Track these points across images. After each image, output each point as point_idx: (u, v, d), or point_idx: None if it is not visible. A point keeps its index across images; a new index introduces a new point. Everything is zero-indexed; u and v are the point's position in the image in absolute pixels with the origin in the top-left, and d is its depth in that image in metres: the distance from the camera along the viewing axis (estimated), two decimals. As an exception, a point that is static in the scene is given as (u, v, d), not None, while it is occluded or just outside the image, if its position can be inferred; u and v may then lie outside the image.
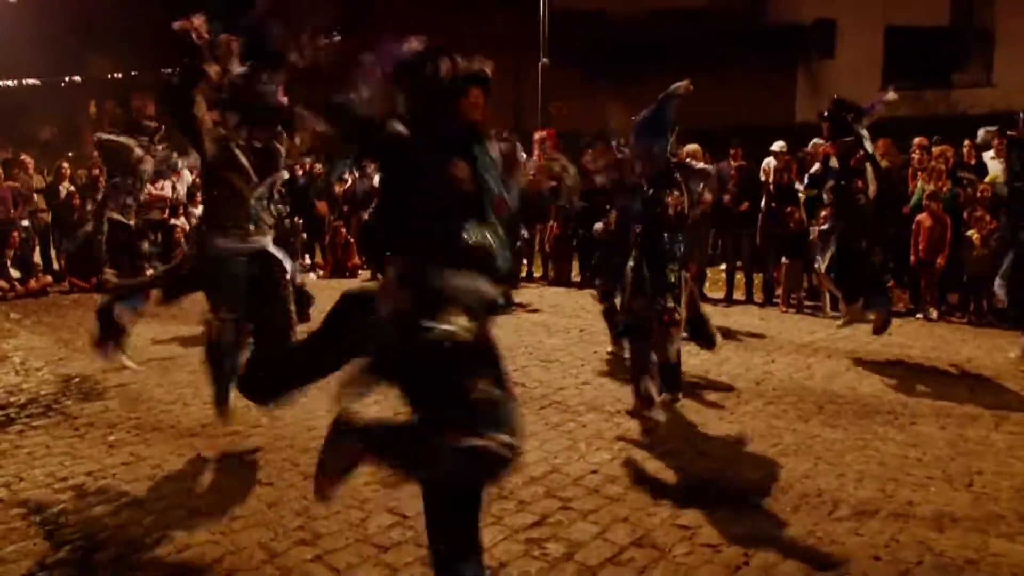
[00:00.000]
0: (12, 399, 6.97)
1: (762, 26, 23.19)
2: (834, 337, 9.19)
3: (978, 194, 10.43)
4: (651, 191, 6.16)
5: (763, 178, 12.36)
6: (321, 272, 14.32)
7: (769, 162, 12.54)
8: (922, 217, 10.42)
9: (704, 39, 21.95)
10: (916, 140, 12.27)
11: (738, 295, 11.69)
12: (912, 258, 10.54)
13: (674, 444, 5.88)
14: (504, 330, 9.28)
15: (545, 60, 15.53)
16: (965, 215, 10.40)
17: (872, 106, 8.44)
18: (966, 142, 11.51)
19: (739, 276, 12.06)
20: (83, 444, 5.86)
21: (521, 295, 11.75)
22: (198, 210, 13.43)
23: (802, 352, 8.56)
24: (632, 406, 6.26)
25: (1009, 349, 8.62)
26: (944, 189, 10.66)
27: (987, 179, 10.87)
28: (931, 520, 4.71)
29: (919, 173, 11.21)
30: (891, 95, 8.28)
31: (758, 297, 11.60)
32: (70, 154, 15.98)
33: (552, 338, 9.26)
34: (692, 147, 11.75)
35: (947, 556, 4.30)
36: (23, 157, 13.79)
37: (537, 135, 14.28)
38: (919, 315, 10.56)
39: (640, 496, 4.99)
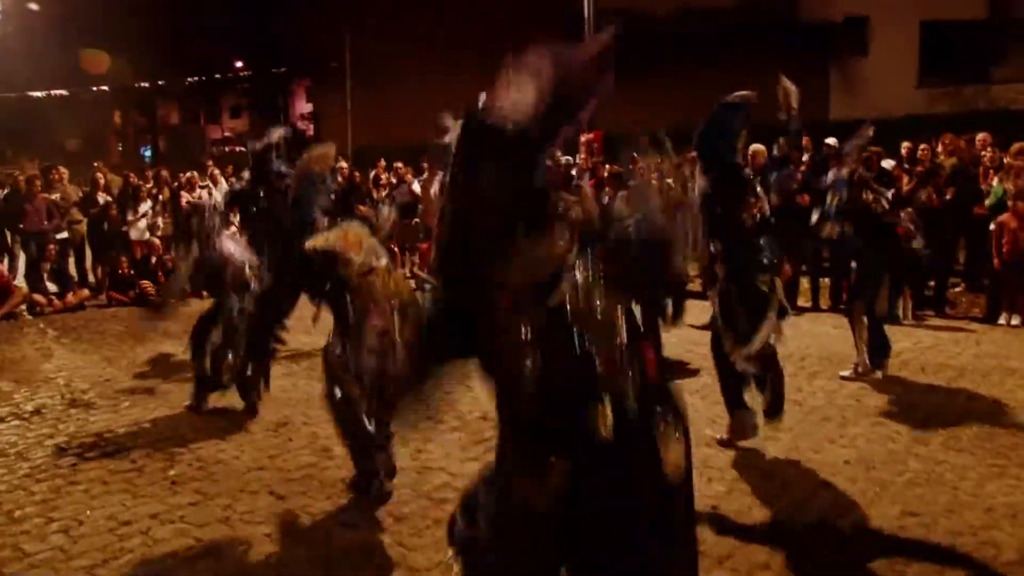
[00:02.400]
0: (61, 426, 6.47)
1: (794, 24, 22.71)
2: (919, 347, 8.61)
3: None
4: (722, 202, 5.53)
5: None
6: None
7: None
8: (1006, 218, 9.81)
9: (737, 37, 21.53)
10: (980, 136, 11.76)
11: (803, 302, 11.07)
12: (996, 261, 9.92)
13: (787, 472, 5.33)
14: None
15: (592, 59, 14.99)
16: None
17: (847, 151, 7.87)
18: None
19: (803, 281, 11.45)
20: (142, 480, 5.35)
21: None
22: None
23: (892, 365, 7.96)
24: (727, 432, 5.74)
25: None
26: (1020, 186, 10.08)
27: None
28: (1116, 566, 4.17)
29: (992, 172, 10.64)
30: (867, 132, 7.67)
31: (824, 303, 10.99)
32: (96, 163, 15.54)
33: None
34: (756, 147, 11.37)
35: None
36: (59, 167, 13.36)
37: (584, 138, 13.84)
38: (1001, 321, 9.95)
39: (770, 534, 4.44)
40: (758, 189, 5.90)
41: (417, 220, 14.11)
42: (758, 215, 5.52)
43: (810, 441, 5.80)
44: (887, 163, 11.60)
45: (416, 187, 14.17)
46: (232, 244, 6.73)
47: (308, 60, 34.67)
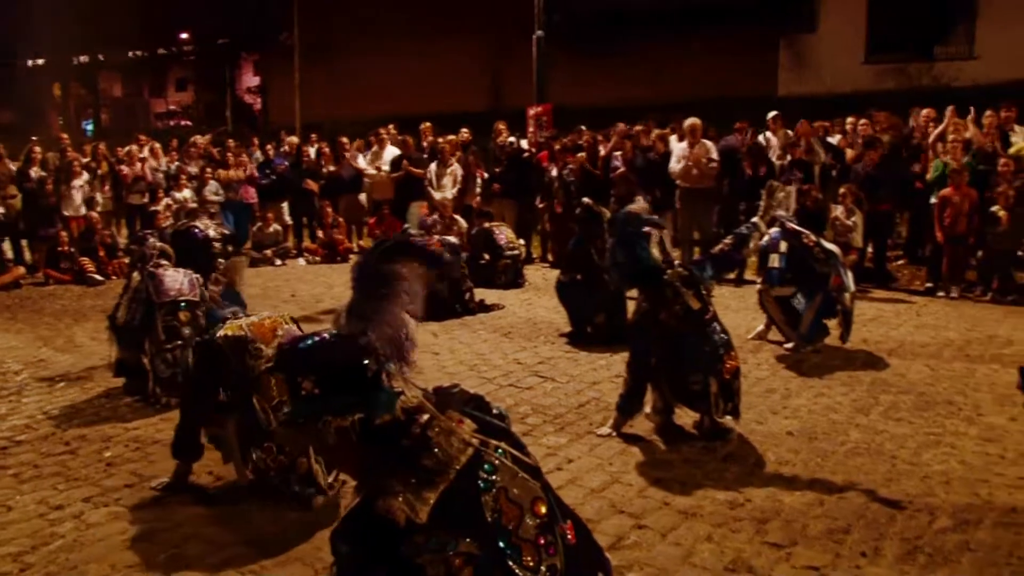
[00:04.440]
0: (-10, 409, 6.29)
1: (745, 0, 22.81)
2: (862, 319, 8.70)
3: (1000, 168, 10.01)
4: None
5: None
6: (314, 258, 13.59)
7: (768, 136, 12.03)
8: (948, 192, 9.96)
9: (687, 14, 21.59)
10: (924, 112, 11.92)
11: (750, 274, 11.15)
12: (938, 235, 10.08)
13: (734, 446, 5.35)
14: (518, 318, 8.98)
15: (540, 33, 14.89)
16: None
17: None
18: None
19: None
20: (76, 462, 5.21)
21: (528, 277, 11.21)
22: (181, 194, 12.75)
23: (834, 337, 8.04)
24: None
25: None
26: (961, 161, 10.24)
27: (1011, 151, 10.47)
28: (1044, 529, 4.25)
29: (935, 147, 10.78)
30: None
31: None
32: (34, 138, 15.13)
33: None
34: (692, 121, 11.44)
35: (1081, 575, 3.85)
36: (-7, 142, 12.96)
37: (532, 111, 13.75)
38: (940, 293, 10.14)
39: (717, 509, 4.46)
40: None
41: (364, 195, 13.95)
42: (680, 311, 5.37)
43: (754, 413, 5.83)
44: (833, 138, 11.75)
45: (362, 162, 13.98)
46: (173, 277, 6.47)
47: (256, 33, 34.05)
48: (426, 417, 2.67)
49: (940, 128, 10.89)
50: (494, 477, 2.63)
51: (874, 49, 22.17)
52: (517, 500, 2.65)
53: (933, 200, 10.24)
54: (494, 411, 2.95)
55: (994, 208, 9.80)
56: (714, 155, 11.30)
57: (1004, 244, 9.88)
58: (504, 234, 11.11)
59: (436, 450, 2.62)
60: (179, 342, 6.18)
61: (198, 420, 4.76)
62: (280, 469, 4.39)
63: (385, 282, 2.68)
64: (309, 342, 2.77)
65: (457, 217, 12.26)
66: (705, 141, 11.43)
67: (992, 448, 5.34)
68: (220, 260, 8.02)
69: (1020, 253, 10.13)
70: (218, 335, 4.60)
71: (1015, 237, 9.94)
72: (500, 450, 2.73)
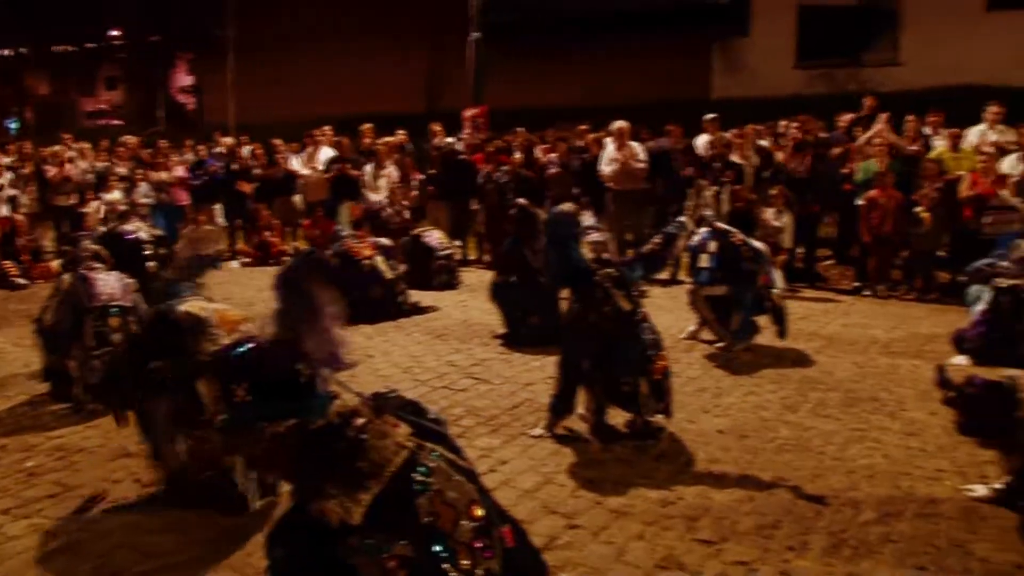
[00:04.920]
0: (-95, 417, 6.07)
1: (679, 4, 23.08)
2: (792, 318, 8.86)
3: (923, 171, 10.31)
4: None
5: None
6: (247, 260, 13.40)
7: (703, 138, 12.20)
8: (874, 194, 10.22)
9: (622, 17, 21.76)
10: (847, 117, 12.22)
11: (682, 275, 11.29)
12: (865, 235, 10.34)
13: (666, 445, 5.42)
14: (453, 320, 8.96)
15: (477, 34, 14.89)
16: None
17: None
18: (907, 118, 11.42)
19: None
20: (-4, 471, 5.07)
21: (464, 279, 11.18)
22: (110, 195, 12.47)
23: (764, 335, 8.18)
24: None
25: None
26: (886, 164, 10.51)
27: (932, 154, 10.78)
28: (960, 520, 4.43)
29: (862, 150, 11.05)
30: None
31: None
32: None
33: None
34: (620, 123, 11.57)
35: (992, 562, 4.01)
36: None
37: (468, 113, 13.75)
38: (867, 292, 10.40)
39: (648, 507, 4.51)
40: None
41: (298, 197, 13.80)
42: (610, 312, 5.41)
43: (686, 412, 5.91)
44: (763, 141, 11.96)
45: (295, 164, 13.82)
46: (105, 281, 6.30)
47: (189, 30, 33.39)
48: (361, 421, 2.67)
49: (869, 132, 11.16)
50: (429, 480, 2.64)
51: (804, 54, 22.57)
52: (453, 503, 2.66)
53: (860, 202, 10.50)
54: (430, 415, 2.96)
55: (917, 209, 10.08)
56: (642, 156, 11.44)
57: (927, 244, 10.19)
58: (434, 236, 11.09)
59: (370, 453, 2.62)
60: (108, 348, 6.03)
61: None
62: (210, 461, 4.29)
63: (308, 291, 2.68)
64: (241, 349, 2.75)
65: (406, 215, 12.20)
66: (633, 143, 11.56)
67: (913, 442, 5.50)
68: (151, 264, 7.89)
69: (941, 253, 10.46)
70: (179, 309, 4.43)
71: (937, 237, 10.26)
72: (436, 453, 2.74)
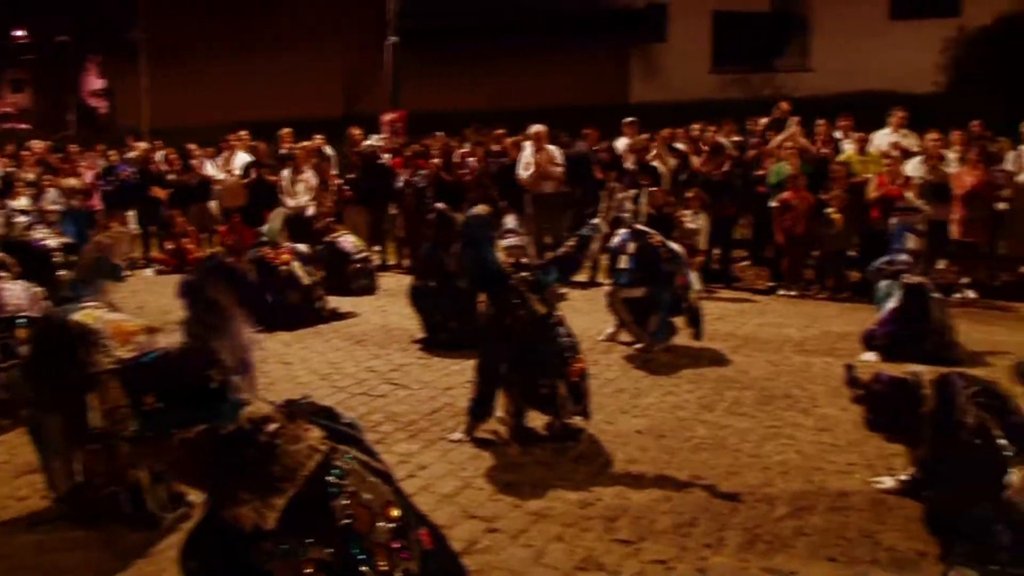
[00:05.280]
0: None
1: (598, 9, 23.34)
2: (709, 318, 9.02)
3: (832, 173, 10.60)
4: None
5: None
6: (161, 267, 13.05)
7: (622, 141, 12.33)
8: (787, 196, 10.47)
9: (542, 22, 21.90)
10: (762, 122, 12.51)
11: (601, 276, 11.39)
12: (778, 236, 10.59)
13: (585, 446, 5.44)
14: (372, 325, 8.87)
15: (394, 39, 14.80)
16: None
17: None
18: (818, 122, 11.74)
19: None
20: None
21: (383, 283, 11.08)
22: (16, 202, 12.04)
23: (682, 336, 8.30)
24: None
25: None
26: (798, 167, 10.78)
27: (839, 158, 11.09)
28: (869, 511, 4.55)
29: (775, 153, 11.31)
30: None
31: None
32: None
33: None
34: (538, 127, 11.65)
35: (898, 551, 4.12)
36: None
37: (386, 117, 13.65)
38: (781, 292, 10.65)
39: (567, 509, 4.52)
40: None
41: (214, 203, 13.52)
42: (526, 315, 5.42)
43: (604, 413, 5.94)
44: (679, 144, 12.15)
45: (210, 169, 13.54)
46: (11, 291, 6.05)
47: (100, 32, 32.45)
48: (274, 426, 2.63)
49: (781, 136, 11.43)
50: (344, 482, 2.62)
51: (719, 60, 23.06)
52: (368, 504, 2.64)
53: (773, 204, 10.73)
54: (344, 420, 2.92)
55: (828, 210, 10.35)
56: (559, 160, 11.53)
57: (837, 244, 10.49)
58: (349, 241, 10.98)
59: (283, 457, 2.59)
60: (15, 361, 5.79)
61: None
62: (109, 476, 4.15)
63: (212, 298, 2.64)
64: (150, 357, 2.69)
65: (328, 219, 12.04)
66: (550, 147, 11.65)
67: (826, 437, 5.63)
68: (60, 272, 7.63)
69: (852, 253, 10.77)
70: (70, 317, 4.26)
71: (847, 238, 10.56)
72: (350, 456, 2.72)
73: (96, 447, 4.01)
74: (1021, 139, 10.39)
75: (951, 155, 10.71)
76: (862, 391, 4.56)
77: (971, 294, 10.23)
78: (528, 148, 11.65)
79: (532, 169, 11.47)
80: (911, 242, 7.90)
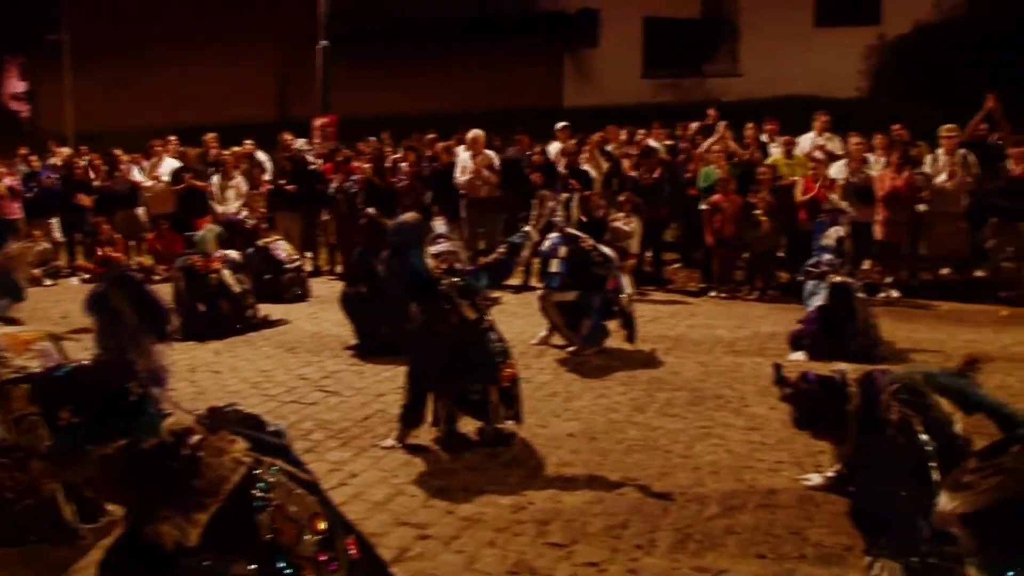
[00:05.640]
0: None
1: (532, 14, 23.48)
2: (641, 320, 9.10)
3: (760, 176, 10.79)
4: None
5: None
6: (87, 276, 12.71)
7: (555, 146, 12.38)
8: (718, 198, 10.63)
9: (476, 26, 21.93)
10: (693, 126, 12.71)
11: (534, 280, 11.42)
12: (708, 239, 10.74)
13: (517, 450, 5.44)
14: (303, 332, 8.76)
15: (325, 43, 14.65)
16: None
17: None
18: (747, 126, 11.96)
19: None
20: None
21: (315, 290, 10.96)
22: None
23: (614, 338, 8.35)
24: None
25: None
26: (727, 171, 10.95)
27: (767, 161, 11.30)
28: (797, 508, 4.62)
29: (704, 157, 11.47)
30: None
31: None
32: None
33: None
34: (475, 132, 11.67)
35: (825, 546, 4.19)
36: None
37: (318, 122, 13.52)
38: (712, 294, 10.81)
39: (500, 514, 4.51)
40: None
41: (141, 209, 13.24)
42: (456, 321, 5.41)
43: (537, 417, 5.95)
44: (610, 147, 12.27)
45: (138, 175, 13.25)
46: None
47: (20, 32, 31.48)
48: (196, 438, 2.58)
49: (710, 140, 11.60)
50: (269, 495, 2.58)
51: (651, 65, 23.36)
52: (295, 517, 2.60)
53: (704, 206, 10.89)
54: (270, 429, 2.88)
55: (756, 212, 10.53)
56: (496, 165, 11.55)
57: (765, 246, 10.67)
58: (282, 248, 10.85)
59: (206, 471, 2.54)
60: None
61: None
62: (18, 490, 4.01)
63: (118, 310, 2.59)
64: (65, 370, 2.62)
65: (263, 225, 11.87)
66: (488, 151, 11.67)
67: (755, 436, 5.72)
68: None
69: (780, 254, 10.98)
70: None
71: (775, 239, 10.75)
72: (275, 468, 2.67)
73: (5, 461, 3.89)
74: (939, 143, 10.68)
75: (873, 158, 10.98)
76: (790, 390, 4.62)
77: (894, 293, 10.48)
78: (465, 153, 11.65)
79: (469, 174, 11.47)
80: (831, 236, 8.06)
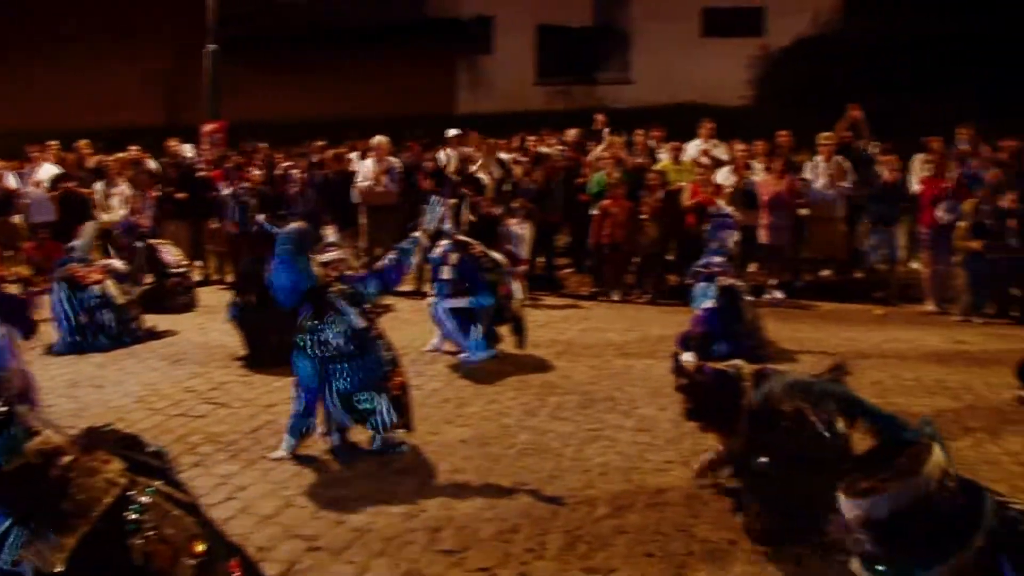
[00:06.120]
0: None
1: (425, 19, 23.43)
2: (533, 325, 9.19)
3: (648, 181, 11.04)
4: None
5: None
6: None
7: (449, 153, 12.39)
8: (606, 204, 10.81)
9: (368, 32, 21.76)
10: (572, 132, 12.89)
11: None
12: (599, 243, 10.92)
13: (409, 458, 5.43)
14: (191, 343, 8.53)
15: (213, 47, 14.30)
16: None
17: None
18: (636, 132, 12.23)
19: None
20: None
21: (203, 299, 10.69)
22: None
23: (506, 343, 8.38)
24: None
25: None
26: (617, 176, 11.16)
27: (655, 167, 11.55)
28: (685, 506, 4.74)
29: (594, 163, 11.67)
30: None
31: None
32: None
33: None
34: (379, 138, 11.61)
35: (711, 541, 4.31)
36: None
37: (206, 128, 13.19)
38: (602, 297, 10.99)
39: (391, 522, 4.49)
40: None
41: (18, 217, 12.68)
42: (345, 329, 5.33)
43: (428, 424, 5.95)
44: (504, 155, 12.34)
45: (13, 182, 12.69)
46: None
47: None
48: (66, 459, 2.49)
49: (600, 146, 11.80)
50: (143, 518, 2.50)
51: (544, 72, 23.58)
52: (171, 540, 2.53)
53: (594, 212, 11.06)
54: (149, 449, 2.80)
55: (643, 217, 10.76)
56: (399, 171, 11.54)
57: (654, 250, 10.91)
58: (170, 252, 10.56)
59: (76, 493, 2.45)
60: None
61: None
62: None
63: None
64: None
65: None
66: (390, 158, 11.64)
67: (644, 437, 5.84)
68: None
69: (670, 258, 11.23)
70: None
71: (663, 243, 11.00)
72: (151, 489, 2.60)
73: None
74: (818, 150, 11.11)
75: (757, 164, 11.34)
76: (686, 380, 4.69)
77: (778, 295, 10.84)
78: (367, 159, 11.59)
79: (371, 180, 11.42)
80: (730, 240, 8.27)
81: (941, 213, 10.13)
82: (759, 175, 11.19)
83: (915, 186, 10.70)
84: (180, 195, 12.20)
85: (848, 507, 2.28)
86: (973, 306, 9.93)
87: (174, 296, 10.21)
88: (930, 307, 10.38)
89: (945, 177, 10.38)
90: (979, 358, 8.09)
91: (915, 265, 11.19)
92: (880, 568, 2.24)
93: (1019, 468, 5.32)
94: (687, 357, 7.62)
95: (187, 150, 13.22)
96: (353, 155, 11.94)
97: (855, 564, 2.26)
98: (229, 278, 11.97)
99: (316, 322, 5.30)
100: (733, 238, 8.38)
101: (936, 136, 10.94)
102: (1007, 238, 9.60)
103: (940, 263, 10.34)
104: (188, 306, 10.28)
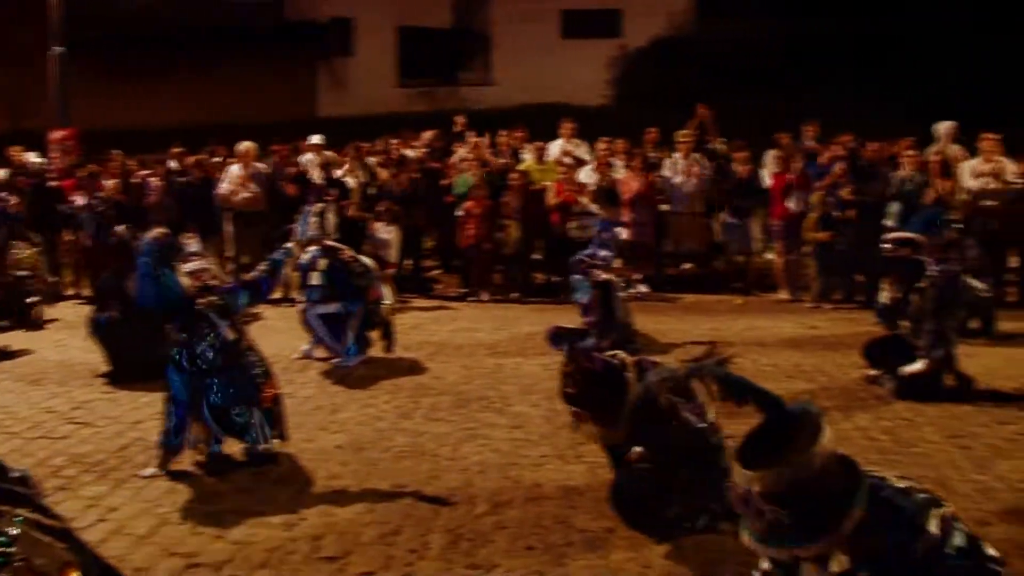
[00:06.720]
0: None
1: (282, 23, 22.99)
2: (403, 328, 9.20)
3: (510, 181, 11.22)
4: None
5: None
6: None
7: (307, 157, 12.19)
8: (470, 205, 10.93)
9: (226, 35, 21.20)
10: (428, 134, 12.94)
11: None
12: (464, 244, 11.03)
13: (285, 468, 5.39)
14: (49, 362, 8.14)
15: (60, 49, 13.59)
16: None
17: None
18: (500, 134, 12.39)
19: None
20: None
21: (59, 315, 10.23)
22: None
23: (377, 348, 8.36)
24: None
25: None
26: (481, 177, 11.28)
27: (519, 167, 11.73)
28: (562, 498, 4.88)
29: (458, 165, 11.76)
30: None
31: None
32: None
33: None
34: (247, 144, 11.37)
35: (590, 531, 4.45)
36: None
37: (55, 135, 12.59)
38: (472, 298, 11.10)
39: (271, 533, 4.46)
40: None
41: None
42: (215, 342, 5.30)
43: (303, 432, 5.91)
44: (371, 159, 12.28)
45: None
46: None
47: None
48: None
49: (463, 148, 11.90)
50: (11, 550, 2.42)
51: (405, 74, 23.53)
52: (42, 570, 2.46)
53: (459, 213, 11.15)
54: (13, 475, 2.71)
55: (505, 217, 10.96)
56: (265, 177, 11.35)
57: (518, 249, 11.09)
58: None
59: None
60: None
61: None
62: None
63: None
64: None
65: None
66: (257, 164, 11.43)
67: (519, 433, 5.96)
68: None
69: (537, 256, 11.45)
70: None
71: (528, 243, 11.21)
72: (19, 518, 2.52)
73: None
74: (675, 147, 11.53)
75: (618, 162, 11.67)
76: (572, 366, 4.50)
77: (644, 289, 11.19)
78: (234, 166, 11.34)
79: (236, 186, 11.18)
80: (617, 236, 8.47)
81: (791, 204, 10.70)
82: (620, 173, 11.51)
83: (767, 180, 11.24)
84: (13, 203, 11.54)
85: (746, 478, 2.27)
86: (822, 293, 10.54)
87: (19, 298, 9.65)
88: (784, 295, 10.95)
89: (791, 171, 10.95)
90: (830, 342, 8.61)
91: (769, 256, 11.75)
92: (768, 540, 2.29)
93: (868, 442, 5.71)
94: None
95: (32, 158, 12.58)
96: (215, 160, 11.66)
97: (745, 536, 2.33)
98: (86, 292, 11.49)
99: (187, 335, 5.20)
100: (622, 235, 8.60)
101: (785, 133, 11.54)
102: (848, 228, 10.22)
103: (792, 253, 10.92)
104: (37, 325, 9.74)
